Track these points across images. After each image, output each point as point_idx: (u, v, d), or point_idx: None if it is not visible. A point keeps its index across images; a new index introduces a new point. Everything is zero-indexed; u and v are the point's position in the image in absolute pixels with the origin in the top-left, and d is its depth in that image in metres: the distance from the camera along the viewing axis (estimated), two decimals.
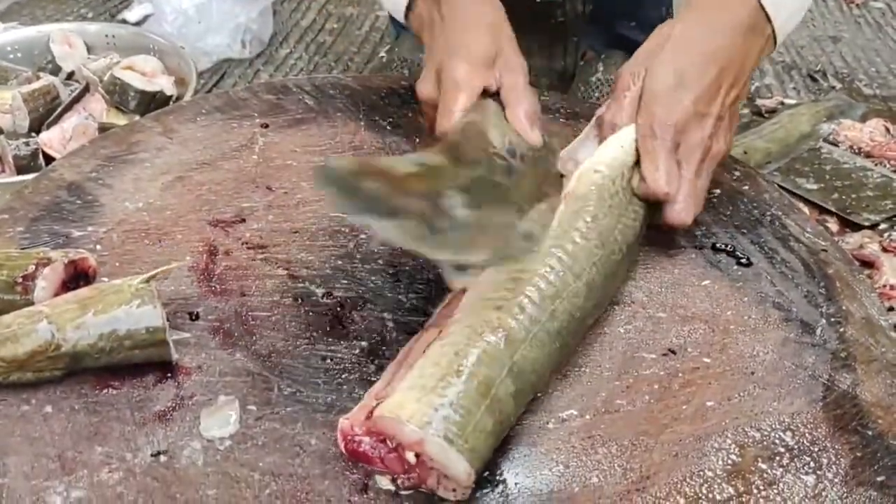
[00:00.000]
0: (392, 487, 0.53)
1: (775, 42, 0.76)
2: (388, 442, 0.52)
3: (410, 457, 0.51)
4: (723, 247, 0.75)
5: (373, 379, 0.60)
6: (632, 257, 0.70)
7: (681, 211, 0.70)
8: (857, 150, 1.18)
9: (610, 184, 0.68)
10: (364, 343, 0.64)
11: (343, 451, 0.54)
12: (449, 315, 0.60)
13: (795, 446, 0.58)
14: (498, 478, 0.55)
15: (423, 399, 0.52)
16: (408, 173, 0.59)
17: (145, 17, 1.57)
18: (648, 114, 0.71)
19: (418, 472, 0.52)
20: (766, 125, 1.25)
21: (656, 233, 0.75)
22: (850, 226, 1.02)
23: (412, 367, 0.55)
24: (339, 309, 0.66)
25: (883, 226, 1.01)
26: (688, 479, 0.55)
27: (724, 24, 0.73)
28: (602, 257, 0.63)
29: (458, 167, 0.64)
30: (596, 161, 0.70)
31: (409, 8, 0.82)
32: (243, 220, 0.74)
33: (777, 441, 0.58)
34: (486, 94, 0.74)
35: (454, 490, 0.52)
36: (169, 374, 0.60)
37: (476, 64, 0.74)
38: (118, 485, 0.52)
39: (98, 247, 0.70)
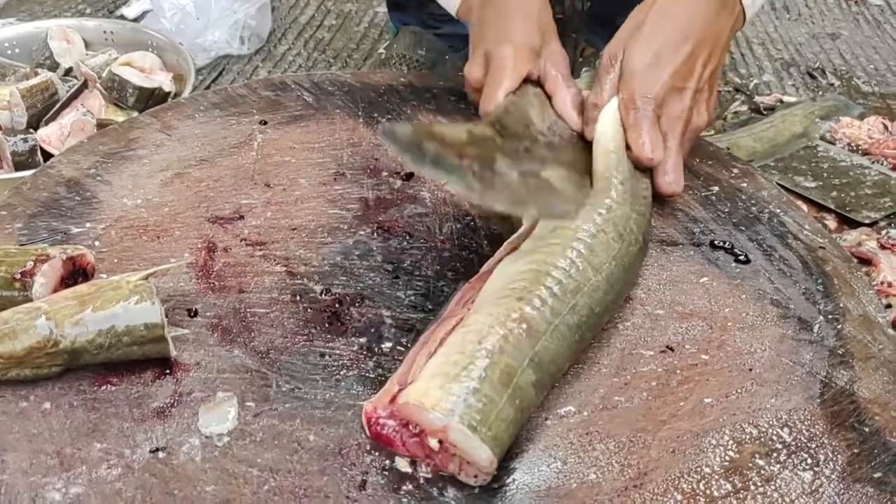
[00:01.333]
0: (410, 470, 0.54)
1: (745, 18, 0.81)
2: (411, 427, 0.53)
3: (433, 443, 0.52)
4: (721, 244, 0.75)
5: (371, 376, 0.61)
6: (646, 249, 0.70)
7: (671, 182, 0.74)
8: (854, 148, 1.18)
9: (619, 163, 0.71)
10: (362, 340, 0.64)
11: (367, 432, 0.55)
12: (467, 303, 0.61)
13: (793, 443, 0.58)
14: (496, 474, 0.55)
15: (446, 386, 0.52)
16: (460, 141, 0.62)
17: (143, 14, 1.57)
18: (629, 89, 0.74)
19: (440, 457, 0.53)
20: (757, 124, 1.25)
21: (655, 230, 0.76)
22: (848, 223, 1.02)
23: (435, 354, 0.56)
24: (337, 306, 0.66)
25: (881, 223, 1.01)
26: (685, 476, 0.55)
27: (696, 3, 0.77)
28: (621, 250, 0.64)
29: (504, 139, 0.67)
30: (608, 140, 0.73)
31: None
32: (242, 217, 0.74)
33: (774, 437, 0.58)
34: (527, 81, 0.79)
35: (475, 476, 0.53)
36: (167, 371, 0.60)
37: (522, 51, 0.78)
38: (117, 481, 0.52)
39: (96, 243, 0.70)
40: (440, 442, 0.52)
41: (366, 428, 0.56)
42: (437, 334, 0.59)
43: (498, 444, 0.52)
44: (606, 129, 0.74)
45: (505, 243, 0.67)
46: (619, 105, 0.74)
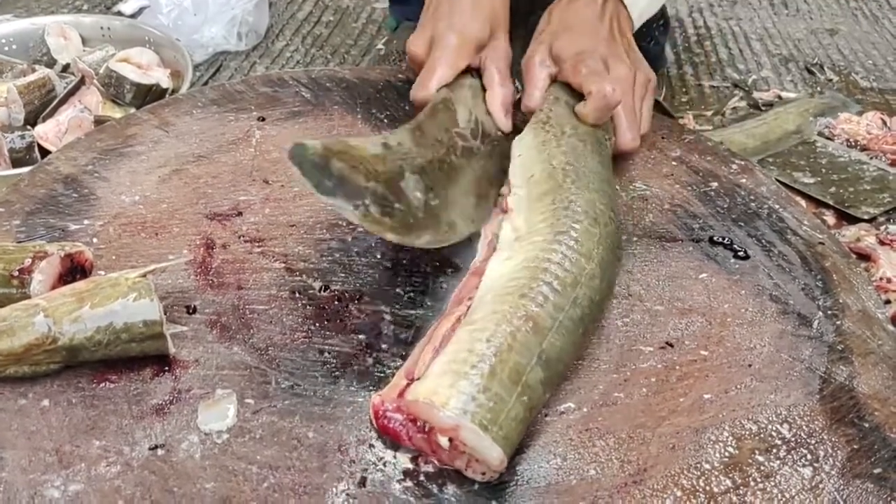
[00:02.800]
0: (410, 467, 0.54)
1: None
2: (419, 423, 0.53)
3: (443, 441, 0.52)
4: (720, 240, 0.75)
5: (370, 372, 0.61)
6: (620, 225, 0.70)
7: (631, 140, 0.79)
8: (852, 144, 1.18)
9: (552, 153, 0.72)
10: (361, 336, 0.63)
11: (374, 425, 0.56)
12: (463, 299, 0.61)
13: (792, 439, 0.58)
14: None
15: (456, 385, 0.52)
16: (372, 154, 0.63)
17: (140, 10, 1.56)
18: (572, 64, 0.77)
19: (448, 453, 0.53)
20: (750, 120, 1.24)
21: (654, 226, 0.75)
22: (846, 219, 1.02)
23: (442, 352, 0.56)
24: (336, 302, 0.66)
25: (880, 219, 1.01)
26: (685, 472, 0.55)
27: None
28: (601, 234, 0.64)
29: (420, 147, 0.69)
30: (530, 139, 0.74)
31: None
32: (240, 214, 0.74)
33: (774, 433, 0.58)
34: (467, 70, 0.81)
35: (483, 473, 0.53)
36: (166, 368, 0.60)
37: (466, 42, 0.79)
38: (116, 478, 0.52)
39: (95, 240, 0.70)
40: (450, 440, 0.52)
41: (373, 420, 0.56)
42: (440, 330, 0.59)
43: (508, 444, 0.52)
44: (527, 134, 0.75)
45: (481, 242, 0.68)
46: (567, 77, 0.77)
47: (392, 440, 0.55)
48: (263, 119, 0.87)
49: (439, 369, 0.54)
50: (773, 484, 0.55)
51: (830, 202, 1.04)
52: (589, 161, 0.71)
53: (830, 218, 1.02)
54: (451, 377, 0.53)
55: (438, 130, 0.72)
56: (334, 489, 0.53)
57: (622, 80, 0.78)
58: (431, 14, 0.83)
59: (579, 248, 0.61)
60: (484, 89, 0.81)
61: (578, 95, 0.76)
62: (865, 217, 1.01)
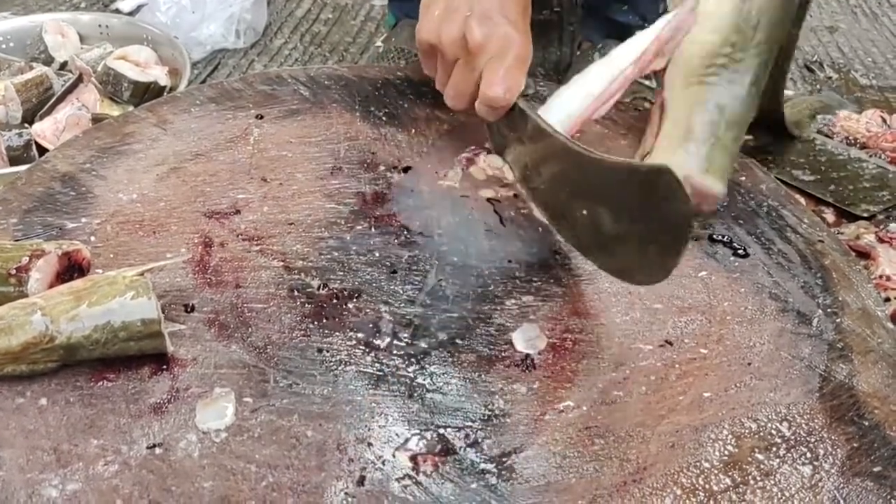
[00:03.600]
0: (409, 465, 0.54)
1: None
2: None
3: None
4: (720, 238, 0.75)
5: (369, 371, 0.60)
6: None
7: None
8: (851, 142, 1.18)
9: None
10: (360, 335, 0.63)
11: None
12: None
13: (792, 437, 0.58)
14: (494, 469, 0.55)
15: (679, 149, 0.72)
16: None
17: (138, 7, 1.56)
18: None
19: None
20: None
21: None
22: (846, 216, 1.02)
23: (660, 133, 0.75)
24: (334, 300, 0.66)
25: (879, 216, 1.01)
26: (684, 470, 0.55)
27: None
28: None
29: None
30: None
31: None
32: (238, 212, 0.74)
33: (774, 432, 0.58)
34: None
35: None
36: (164, 367, 0.59)
37: (522, 32, 0.74)
38: (114, 477, 0.52)
39: (92, 238, 0.70)
40: None
41: None
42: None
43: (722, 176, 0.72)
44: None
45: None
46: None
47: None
48: (262, 117, 0.86)
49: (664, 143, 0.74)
50: (772, 482, 0.55)
51: (830, 200, 1.04)
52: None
53: (830, 216, 1.02)
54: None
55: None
56: (333, 488, 0.53)
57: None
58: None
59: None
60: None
61: None
62: (865, 215, 1.01)
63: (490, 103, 0.73)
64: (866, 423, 0.59)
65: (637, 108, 0.94)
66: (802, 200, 1.02)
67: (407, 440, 0.56)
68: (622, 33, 1.29)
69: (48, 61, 1.26)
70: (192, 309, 0.64)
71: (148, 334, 0.58)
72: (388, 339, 0.63)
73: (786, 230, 0.77)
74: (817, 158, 1.13)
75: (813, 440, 0.58)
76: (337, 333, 0.63)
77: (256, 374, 0.60)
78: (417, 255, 0.71)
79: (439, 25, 0.75)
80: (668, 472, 0.55)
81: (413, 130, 0.86)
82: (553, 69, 1.47)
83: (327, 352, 0.62)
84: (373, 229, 0.73)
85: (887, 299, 0.87)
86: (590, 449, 0.56)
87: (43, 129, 1.09)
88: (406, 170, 0.81)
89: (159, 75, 1.19)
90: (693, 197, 0.63)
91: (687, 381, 0.61)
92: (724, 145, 0.73)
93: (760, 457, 0.56)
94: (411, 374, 0.60)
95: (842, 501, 0.54)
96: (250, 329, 0.63)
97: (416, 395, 0.59)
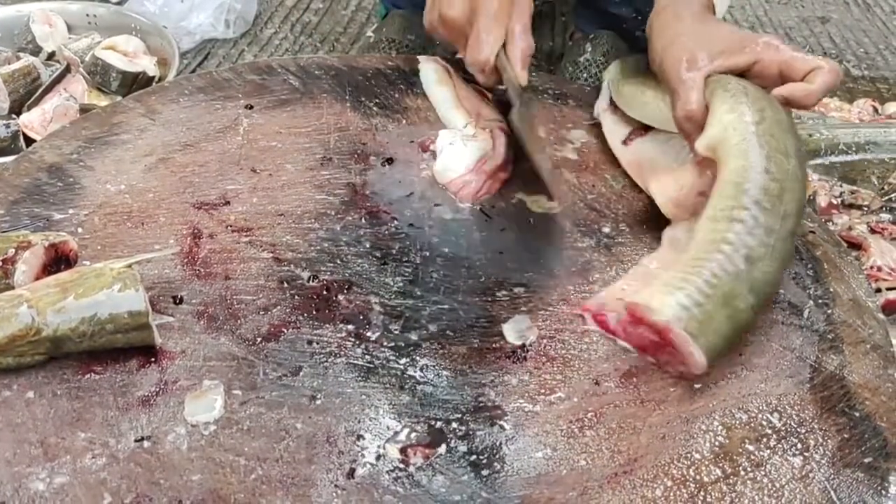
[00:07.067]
0: (399, 458, 0.54)
1: None
2: (635, 320, 0.60)
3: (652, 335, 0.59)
4: None
5: (359, 363, 0.60)
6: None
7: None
8: None
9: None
10: (350, 326, 0.63)
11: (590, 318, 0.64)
12: None
13: (783, 428, 0.58)
14: (485, 461, 0.54)
15: (673, 294, 0.59)
16: None
17: None
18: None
19: (655, 347, 0.60)
20: None
21: (647, 217, 0.75)
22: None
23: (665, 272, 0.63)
24: (324, 292, 0.66)
25: (872, 206, 1.01)
26: (675, 462, 0.55)
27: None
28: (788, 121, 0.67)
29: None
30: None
31: None
32: (228, 203, 0.73)
33: (764, 423, 0.58)
34: None
35: (681, 373, 0.60)
36: (153, 359, 0.59)
37: (506, 3, 0.79)
38: (101, 470, 0.52)
39: (79, 230, 0.69)
40: (662, 337, 0.58)
41: (588, 317, 0.64)
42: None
43: (713, 352, 0.58)
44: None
45: None
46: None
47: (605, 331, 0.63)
48: (251, 107, 0.86)
49: (660, 283, 0.61)
50: (763, 473, 0.55)
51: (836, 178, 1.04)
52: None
53: (823, 198, 1.02)
54: (670, 289, 0.59)
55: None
56: (323, 480, 0.52)
57: None
58: None
59: (776, 145, 0.63)
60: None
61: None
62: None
63: (473, 68, 0.81)
64: (857, 414, 0.59)
65: None
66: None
67: (397, 432, 0.56)
68: (615, 24, 1.29)
69: (36, 51, 1.24)
70: (181, 301, 0.64)
71: (136, 326, 0.57)
72: (378, 331, 0.63)
73: None
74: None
75: (804, 431, 0.58)
76: (327, 325, 0.63)
77: (246, 367, 0.59)
78: (408, 247, 0.70)
79: (432, 5, 0.84)
80: (659, 463, 0.55)
81: (404, 121, 0.86)
82: (545, 59, 1.47)
83: (317, 344, 0.61)
84: (363, 220, 0.73)
85: (878, 290, 0.87)
86: (580, 440, 0.56)
87: (30, 120, 1.08)
88: (396, 161, 0.80)
89: (148, 65, 1.18)
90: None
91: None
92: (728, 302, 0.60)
93: (751, 448, 0.56)
94: (402, 366, 0.60)
95: (832, 492, 0.54)
96: (239, 321, 0.63)
97: (406, 387, 0.59)
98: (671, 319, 0.57)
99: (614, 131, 0.83)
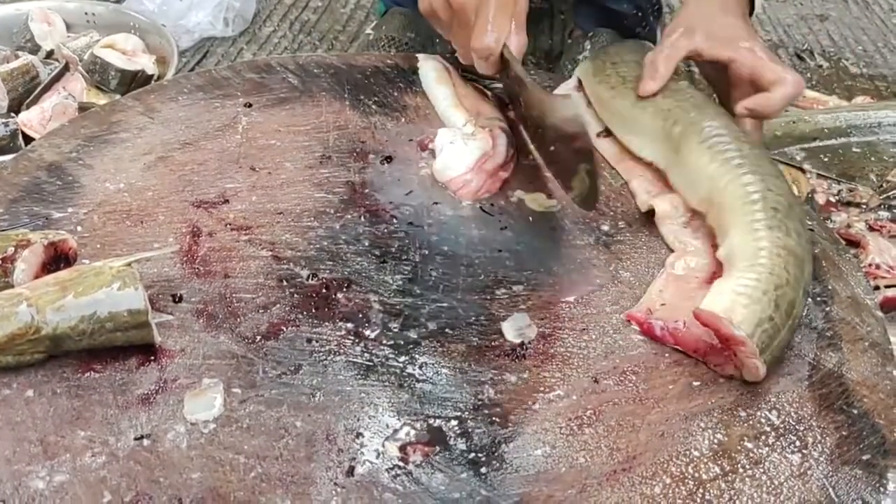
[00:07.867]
0: (398, 456, 0.54)
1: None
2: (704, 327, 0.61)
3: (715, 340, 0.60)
4: None
5: (358, 361, 0.60)
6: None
7: None
8: None
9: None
10: (349, 324, 0.63)
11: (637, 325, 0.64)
12: None
13: (781, 425, 0.58)
14: (485, 458, 0.54)
15: (750, 307, 0.60)
16: None
17: None
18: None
19: (711, 353, 0.61)
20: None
21: (642, 213, 0.75)
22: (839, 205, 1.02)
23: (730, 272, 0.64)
24: (324, 290, 0.66)
25: (871, 203, 1.01)
26: (674, 459, 0.55)
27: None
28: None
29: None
30: None
31: None
32: (227, 201, 0.73)
33: (763, 420, 0.58)
34: None
35: (731, 375, 0.61)
36: (152, 357, 0.59)
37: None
38: (101, 469, 0.52)
39: (78, 228, 0.69)
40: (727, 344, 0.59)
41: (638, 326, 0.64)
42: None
43: (774, 363, 0.60)
44: None
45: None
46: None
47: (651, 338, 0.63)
48: (250, 105, 0.86)
49: (732, 288, 0.62)
50: (761, 470, 0.55)
51: (833, 175, 1.05)
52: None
53: (821, 196, 1.02)
54: (746, 299, 0.61)
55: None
56: (322, 479, 0.53)
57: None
58: None
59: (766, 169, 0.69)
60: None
61: None
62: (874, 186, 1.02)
63: (477, 55, 0.79)
64: (855, 412, 0.59)
65: None
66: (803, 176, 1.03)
67: (397, 430, 0.56)
68: (615, 22, 1.29)
69: (34, 50, 1.24)
70: (180, 299, 0.64)
71: (135, 325, 0.57)
72: (377, 330, 0.63)
73: None
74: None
75: (802, 428, 0.58)
76: (326, 323, 0.63)
77: (245, 365, 0.59)
78: (407, 245, 0.70)
79: None
80: (658, 460, 0.55)
81: (403, 119, 0.86)
82: (544, 57, 1.47)
83: (316, 342, 0.61)
84: (362, 218, 0.73)
85: (877, 287, 0.87)
86: (579, 438, 0.56)
87: (29, 118, 1.08)
88: (395, 159, 0.80)
89: (147, 64, 1.18)
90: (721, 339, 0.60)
91: (677, 370, 0.61)
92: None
93: (750, 445, 0.56)
94: (401, 364, 0.60)
95: (830, 489, 0.54)
96: (239, 319, 0.63)
97: (405, 385, 0.59)
98: (750, 334, 0.59)
99: (591, 124, 0.84)
